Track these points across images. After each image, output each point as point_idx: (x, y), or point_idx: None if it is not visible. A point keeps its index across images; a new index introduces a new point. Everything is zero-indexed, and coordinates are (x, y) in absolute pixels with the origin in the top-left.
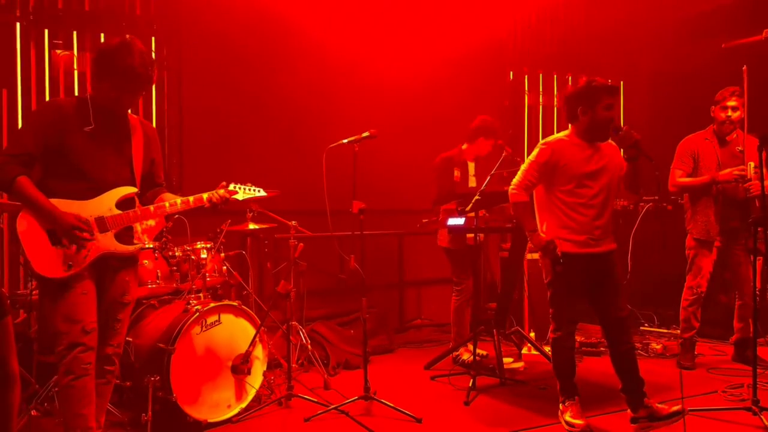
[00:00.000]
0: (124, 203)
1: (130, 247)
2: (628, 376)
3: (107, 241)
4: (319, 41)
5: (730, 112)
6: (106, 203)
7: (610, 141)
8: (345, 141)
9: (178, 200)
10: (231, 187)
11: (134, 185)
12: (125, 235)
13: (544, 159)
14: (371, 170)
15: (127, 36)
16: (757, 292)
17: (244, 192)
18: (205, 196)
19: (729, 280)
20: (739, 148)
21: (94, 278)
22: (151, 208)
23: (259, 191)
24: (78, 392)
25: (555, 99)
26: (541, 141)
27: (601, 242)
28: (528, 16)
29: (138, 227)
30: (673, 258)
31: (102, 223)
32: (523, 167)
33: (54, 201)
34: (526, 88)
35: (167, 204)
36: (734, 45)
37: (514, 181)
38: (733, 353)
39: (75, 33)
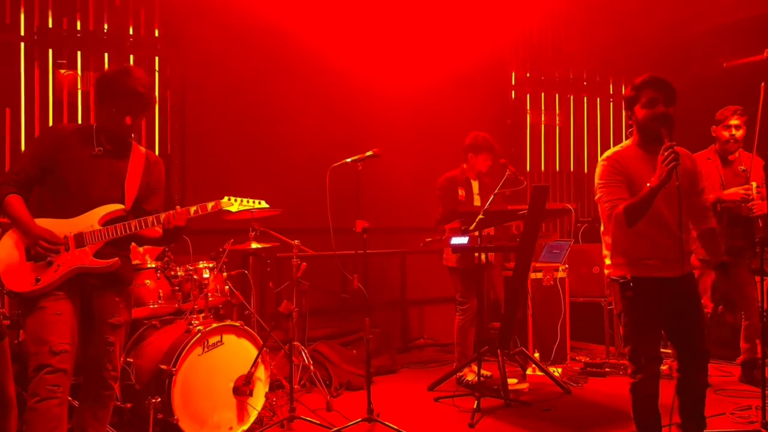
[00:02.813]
0: (111, 222)
1: (103, 262)
2: (691, 413)
3: (82, 257)
4: (322, 60)
5: (733, 131)
6: (89, 220)
7: (684, 150)
8: (349, 160)
9: (149, 219)
10: (225, 199)
11: (123, 204)
12: (109, 252)
13: (610, 172)
14: (373, 188)
15: (128, 64)
16: (764, 313)
17: (239, 204)
18: (162, 216)
19: (735, 300)
20: (742, 168)
21: (75, 300)
22: (133, 224)
23: (259, 203)
24: (40, 416)
25: (557, 118)
26: (600, 158)
27: (676, 265)
28: (530, 36)
29: (140, 248)
30: None
31: (80, 239)
32: (599, 196)
33: (41, 220)
34: (528, 107)
35: (149, 220)
36: (735, 64)
37: (603, 211)
38: (740, 374)
39: (79, 53)
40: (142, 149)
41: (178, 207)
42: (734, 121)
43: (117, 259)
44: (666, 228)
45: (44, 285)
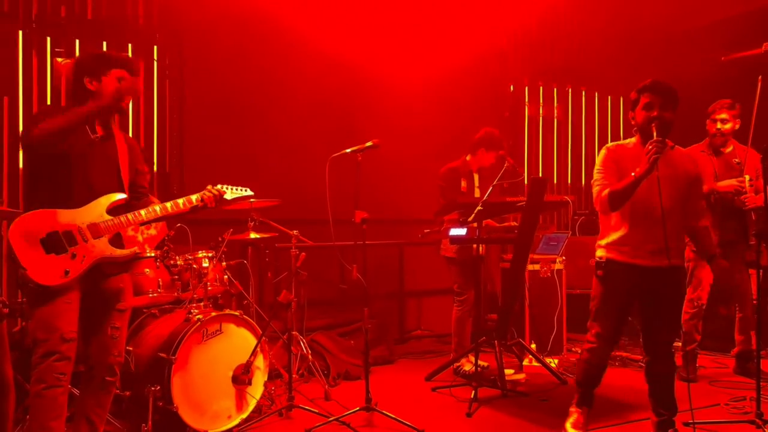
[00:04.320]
0: (114, 210)
1: (126, 251)
2: (659, 399)
3: (102, 246)
4: (321, 51)
5: (719, 125)
6: (97, 210)
7: (687, 151)
8: (348, 150)
9: (168, 204)
10: (218, 187)
11: (123, 192)
12: (116, 241)
13: (606, 160)
14: (371, 179)
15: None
16: (757, 304)
17: (232, 192)
18: (194, 197)
19: (730, 293)
20: (737, 160)
21: (82, 289)
22: (142, 212)
23: (246, 191)
24: (47, 403)
25: (555, 111)
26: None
27: (654, 257)
28: (529, 28)
29: (139, 236)
30: None
31: (95, 229)
32: (594, 179)
33: (46, 212)
34: (527, 100)
35: (158, 208)
36: (734, 58)
37: (594, 194)
38: (735, 366)
39: (77, 41)
40: (119, 132)
41: (179, 201)
42: (722, 115)
43: (136, 247)
44: (650, 219)
45: (73, 277)
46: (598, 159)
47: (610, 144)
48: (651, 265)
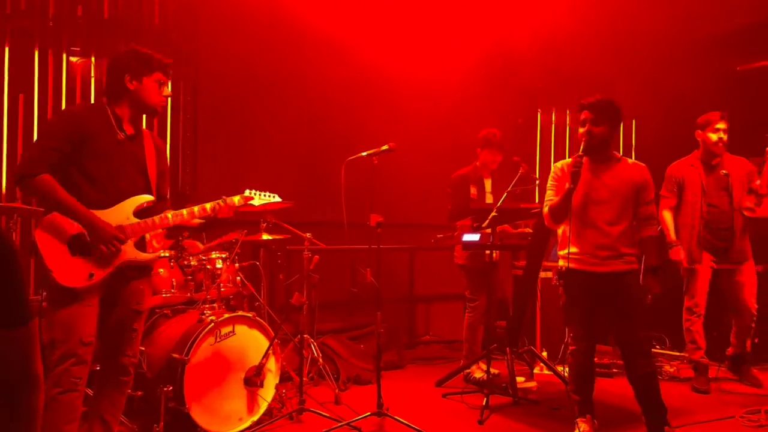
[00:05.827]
0: (141, 213)
1: (150, 255)
2: (644, 401)
3: (128, 250)
4: (336, 55)
5: (721, 134)
6: (124, 212)
7: (636, 162)
8: (364, 153)
9: (196, 208)
10: (246, 193)
11: (150, 194)
12: (140, 244)
13: (553, 178)
14: (383, 183)
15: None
16: (755, 312)
17: (260, 198)
18: (208, 206)
19: (729, 303)
20: (724, 172)
21: (102, 291)
22: (169, 215)
23: (274, 197)
24: (63, 407)
25: (568, 118)
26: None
27: (607, 262)
28: (545, 36)
29: (147, 234)
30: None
31: (122, 232)
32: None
33: None
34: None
35: (185, 212)
36: (750, 68)
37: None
38: (729, 365)
39: (93, 41)
40: (147, 132)
41: (224, 197)
42: (722, 125)
43: (160, 251)
44: (594, 229)
45: (98, 279)
46: (550, 177)
47: (558, 162)
48: (605, 270)
